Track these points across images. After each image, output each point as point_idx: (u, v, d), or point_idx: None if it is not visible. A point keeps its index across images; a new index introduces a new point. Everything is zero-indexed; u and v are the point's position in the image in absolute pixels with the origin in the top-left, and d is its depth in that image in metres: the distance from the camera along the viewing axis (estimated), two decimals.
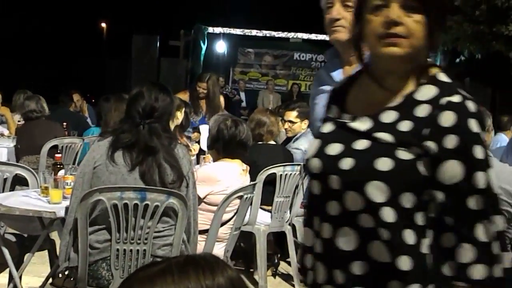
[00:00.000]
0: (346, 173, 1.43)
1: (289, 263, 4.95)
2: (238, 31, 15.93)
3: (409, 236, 1.40)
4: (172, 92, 3.37)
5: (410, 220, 1.40)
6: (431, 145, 1.38)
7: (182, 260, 0.98)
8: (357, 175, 1.42)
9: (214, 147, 3.95)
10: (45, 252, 3.97)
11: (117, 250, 2.96)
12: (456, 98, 1.40)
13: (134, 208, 2.93)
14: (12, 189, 3.98)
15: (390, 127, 1.42)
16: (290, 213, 4.73)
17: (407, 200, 1.39)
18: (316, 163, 1.51)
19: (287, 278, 4.97)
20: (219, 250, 3.69)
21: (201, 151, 5.42)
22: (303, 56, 18.26)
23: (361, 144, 1.44)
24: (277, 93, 15.83)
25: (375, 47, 1.47)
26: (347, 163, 1.44)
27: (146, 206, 2.94)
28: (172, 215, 3.04)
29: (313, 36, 15.43)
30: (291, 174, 4.57)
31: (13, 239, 3.82)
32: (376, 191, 1.38)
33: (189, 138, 5.73)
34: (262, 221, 4.58)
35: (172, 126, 4.74)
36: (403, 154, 1.39)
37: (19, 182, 4.15)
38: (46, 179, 3.58)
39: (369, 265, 1.42)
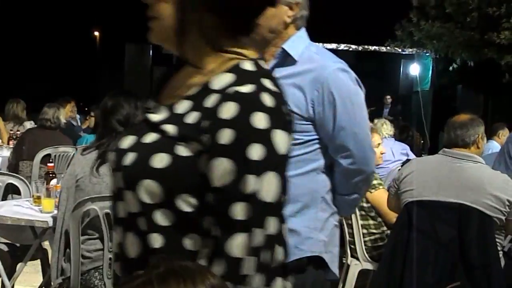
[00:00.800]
0: (126, 170, 1.25)
1: None
2: None
3: (190, 243, 1.22)
4: None
5: (192, 225, 1.22)
6: (207, 139, 1.18)
7: (163, 271, 0.97)
8: (133, 172, 1.24)
9: None
10: (38, 262, 3.96)
11: (110, 259, 2.95)
12: (246, 88, 1.18)
13: None
14: (4, 198, 3.97)
15: (178, 119, 1.24)
16: None
17: (186, 202, 1.21)
18: (110, 157, 1.33)
19: None
20: None
21: None
22: None
23: (149, 137, 1.25)
24: None
25: None
26: (129, 159, 1.25)
27: None
28: None
29: None
30: None
31: (5, 248, 3.80)
32: (149, 191, 1.21)
33: None
34: None
35: None
36: (182, 150, 1.20)
37: (12, 190, 4.14)
38: (38, 189, 3.57)
39: None
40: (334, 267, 2.16)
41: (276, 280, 1.19)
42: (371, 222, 4.07)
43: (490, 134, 7.10)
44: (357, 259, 4.07)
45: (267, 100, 1.18)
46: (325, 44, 13.87)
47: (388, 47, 13.96)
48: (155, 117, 1.27)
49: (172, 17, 1.25)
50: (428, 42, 13.03)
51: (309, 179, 2.09)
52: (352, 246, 4.10)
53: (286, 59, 2.10)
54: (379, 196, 3.94)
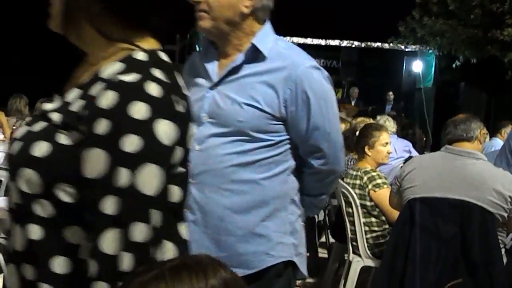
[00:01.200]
0: (11, 159, 1.22)
1: None
2: None
3: (71, 236, 1.16)
4: None
5: (73, 217, 1.16)
6: (85, 128, 1.13)
7: (176, 264, 0.97)
8: (15, 161, 1.20)
9: None
10: None
11: None
12: (130, 77, 1.14)
13: None
14: (7, 193, 3.98)
15: (65, 107, 1.20)
16: None
17: (66, 193, 1.15)
18: (8, 148, 1.29)
19: None
20: None
21: None
22: None
23: (37, 126, 1.21)
24: None
25: None
26: (14, 148, 1.21)
27: None
28: None
29: (308, 41, 15.48)
30: None
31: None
32: (28, 180, 1.16)
33: None
34: None
35: None
36: (63, 139, 1.16)
37: None
38: None
39: (37, 269, 1.18)
40: (303, 268, 2.14)
41: None
42: (373, 220, 4.07)
43: (494, 131, 7.09)
44: (359, 255, 4.08)
45: (152, 89, 1.13)
46: (328, 41, 13.86)
47: (391, 44, 13.95)
48: (47, 106, 1.24)
49: (61, 3, 1.23)
50: (431, 39, 13.01)
51: (279, 181, 2.04)
52: (354, 243, 4.10)
53: (256, 56, 2.00)
54: (384, 195, 3.92)
